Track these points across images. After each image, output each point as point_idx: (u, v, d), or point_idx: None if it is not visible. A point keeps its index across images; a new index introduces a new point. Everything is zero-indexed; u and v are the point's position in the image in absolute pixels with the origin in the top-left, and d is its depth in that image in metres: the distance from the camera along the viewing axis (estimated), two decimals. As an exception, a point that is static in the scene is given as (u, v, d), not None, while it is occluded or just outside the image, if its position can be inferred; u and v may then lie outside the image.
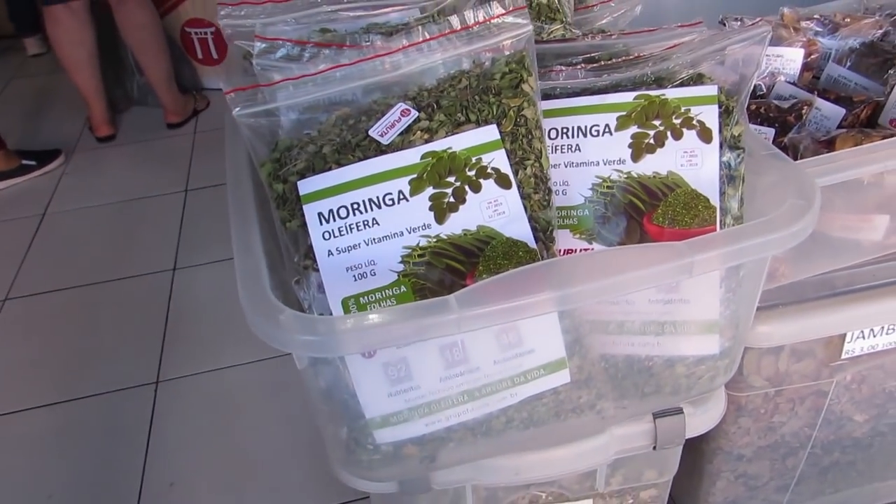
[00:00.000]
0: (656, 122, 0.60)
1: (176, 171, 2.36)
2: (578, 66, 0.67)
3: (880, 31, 0.86)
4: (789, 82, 0.85)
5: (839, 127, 0.78)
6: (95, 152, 2.53)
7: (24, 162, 2.35)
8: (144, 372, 1.53)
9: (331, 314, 0.52)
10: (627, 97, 0.62)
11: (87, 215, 2.19)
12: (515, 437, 0.57)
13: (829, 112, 0.79)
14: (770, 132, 0.78)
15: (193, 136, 2.60)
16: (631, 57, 0.66)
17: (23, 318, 1.76)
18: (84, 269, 1.91)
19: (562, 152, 0.62)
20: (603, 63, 0.66)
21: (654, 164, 0.60)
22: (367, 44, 0.64)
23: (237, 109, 0.57)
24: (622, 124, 0.61)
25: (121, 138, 2.60)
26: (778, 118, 0.78)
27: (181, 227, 2.08)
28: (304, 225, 0.54)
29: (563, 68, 0.67)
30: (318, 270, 0.53)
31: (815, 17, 0.91)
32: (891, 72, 0.79)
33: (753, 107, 0.80)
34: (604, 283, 0.48)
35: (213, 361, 1.53)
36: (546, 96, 0.63)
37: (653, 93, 0.61)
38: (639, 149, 0.60)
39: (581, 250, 0.60)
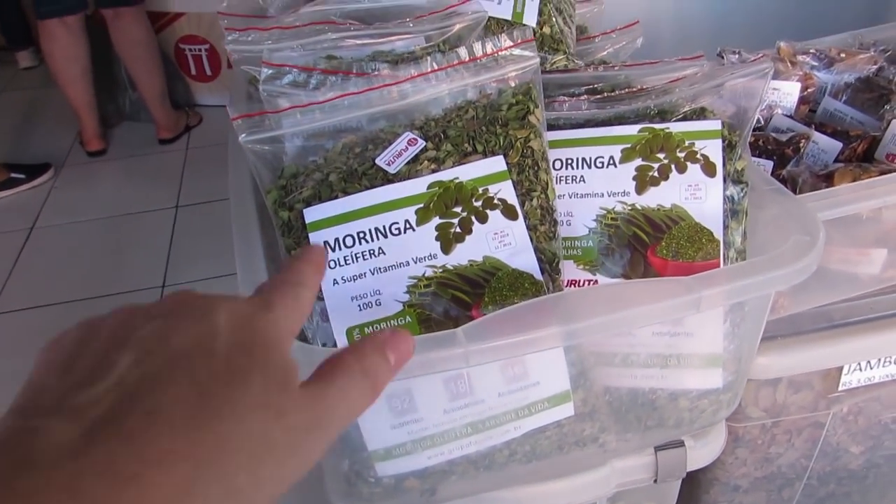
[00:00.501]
0: (661, 155, 0.61)
1: (167, 187, 2.35)
2: (582, 98, 0.67)
3: (875, 67, 0.87)
4: (786, 115, 0.86)
5: (836, 161, 0.79)
6: (86, 167, 2.52)
7: (13, 175, 2.34)
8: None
9: (335, 344, 0.52)
10: (632, 130, 0.62)
11: (75, 230, 2.17)
12: (518, 471, 0.57)
13: (826, 146, 0.80)
14: (768, 164, 0.79)
15: (185, 152, 2.59)
16: (634, 89, 0.67)
17: (8, 335, 1.74)
18: (72, 285, 1.90)
19: (566, 183, 0.62)
20: (606, 95, 0.67)
21: (658, 197, 0.60)
22: (374, 72, 0.65)
23: (243, 136, 0.57)
24: (627, 156, 0.62)
25: (112, 153, 2.59)
26: (776, 151, 0.79)
27: (171, 244, 2.07)
28: (311, 254, 0.53)
29: (567, 99, 0.67)
30: (322, 299, 0.53)
31: (811, 51, 0.92)
32: (886, 107, 0.80)
33: (752, 139, 0.80)
34: (613, 317, 0.48)
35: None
36: (550, 127, 0.63)
37: (657, 126, 0.62)
38: (643, 181, 0.61)
39: (585, 282, 0.60)
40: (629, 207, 0.61)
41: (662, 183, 0.60)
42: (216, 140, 2.64)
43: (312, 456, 0.28)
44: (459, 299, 0.53)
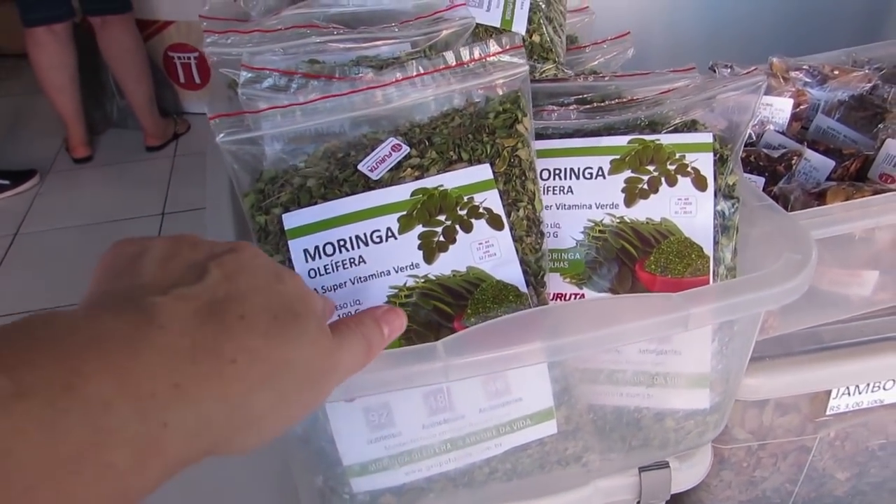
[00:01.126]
0: (650, 168, 0.59)
1: (153, 195, 2.33)
2: (571, 107, 0.66)
3: (869, 85, 0.86)
4: (778, 131, 0.85)
5: (828, 179, 0.78)
6: (72, 173, 2.49)
7: (-2, 181, 2.31)
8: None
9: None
10: (621, 140, 0.61)
11: (60, 237, 2.14)
12: (497, 489, 0.54)
13: (818, 163, 0.79)
14: (759, 181, 0.78)
15: (173, 159, 2.57)
16: (624, 100, 0.65)
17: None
18: (55, 292, 1.87)
19: (553, 194, 0.61)
20: (595, 105, 0.66)
21: (647, 210, 0.58)
22: (358, 76, 0.63)
23: (221, 136, 0.55)
24: (616, 168, 0.60)
25: (98, 160, 2.57)
26: (768, 167, 0.78)
27: (155, 252, 2.04)
28: (288, 261, 0.52)
29: (556, 108, 0.66)
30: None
31: (804, 67, 0.91)
32: (880, 126, 0.79)
33: (743, 154, 0.79)
34: (598, 333, 0.46)
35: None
36: (538, 136, 0.62)
37: (647, 137, 0.60)
38: (632, 193, 0.59)
39: (571, 295, 0.58)
40: (618, 220, 0.59)
41: (652, 196, 0.59)
42: (204, 148, 2.60)
43: (326, 393, 0.35)
44: (441, 311, 0.51)
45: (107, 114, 2.76)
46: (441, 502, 0.54)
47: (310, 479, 0.54)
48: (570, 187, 0.61)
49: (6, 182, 2.33)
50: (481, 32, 0.80)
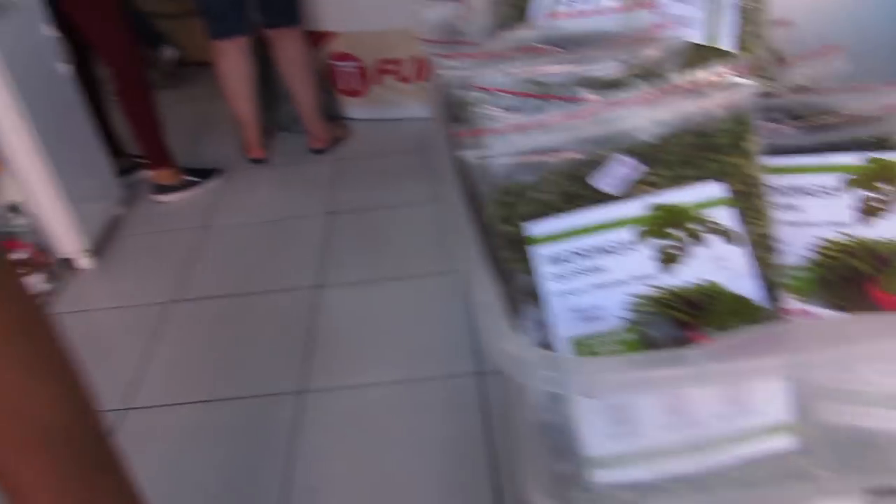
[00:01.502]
0: (889, 187, 0.59)
1: (319, 195, 2.48)
2: (785, 123, 0.66)
3: None
4: None
5: None
6: (248, 172, 2.69)
7: (189, 178, 2.54)
8: (288, 380, 1.61)
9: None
10: (855, 159, 0.60)
11: (242, 230, 2.34)
12: (728, 497, 0.56)
13: None
14: None
15: (335, 162, 2.72)
16: (842, 116, 0.65)
17: (185, 320, 1.90)
18: (239, 280, 2.04)
19: (780, 211, 0.62)
20: (812, 121, 0.66)
21: (885, 230, 0.58)
22: (581, 96, 0.67)
23: (469, 152, 0.61)
24: (849, 186, 0.60)
25: (270, 161, 2.76)
26: None
27: (325, 248, 2.17)
28: (532, 267, 0.56)
29: (770, 125, 0.66)
30: (543, 310, 0.55)
31: None
32: None
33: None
34: (847, 351, 0.47)
35: (356, 377, 1.60)
36: (758, 153, 0.63)
37: (885, 156, 0.60)
38: (868, 212, 0.59)
39: (801, 312, 0.59)
40: (850, 239, 0.59)
41: (890, 215, 0.58)
42: (363, 151, 2.76)
43: None
44: (679, 320, 0.54)
45: (277, 118, 2.96)
46: (674, 502, 0.57)
47: (545, 463, 0.57)
48: (798, 205, 0.61)
49: (198, 179, 2.56)
50: (690, 51, 0.81)
